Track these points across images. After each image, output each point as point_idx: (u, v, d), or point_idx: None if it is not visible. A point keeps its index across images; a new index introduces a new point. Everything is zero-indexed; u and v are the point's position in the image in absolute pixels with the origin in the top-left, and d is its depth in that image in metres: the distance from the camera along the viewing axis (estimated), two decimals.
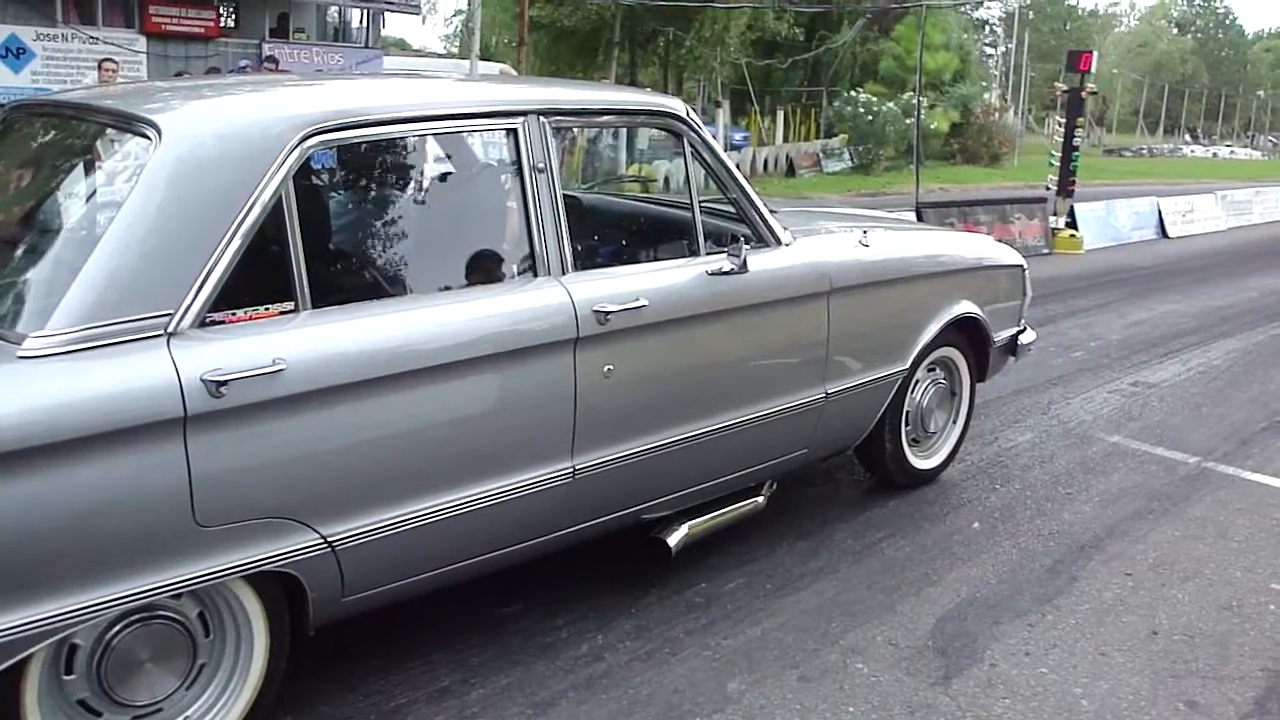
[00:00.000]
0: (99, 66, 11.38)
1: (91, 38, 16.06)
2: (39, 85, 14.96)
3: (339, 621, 2.94)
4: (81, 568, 2.34)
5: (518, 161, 3.14)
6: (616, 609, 3.59)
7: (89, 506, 2.32)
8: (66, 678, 2.47)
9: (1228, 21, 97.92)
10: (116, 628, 2.49)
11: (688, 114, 3.62)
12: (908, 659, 3.39)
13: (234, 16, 18.78)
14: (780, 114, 31.94)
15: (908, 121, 28.21)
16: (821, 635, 3.51)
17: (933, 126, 30.50)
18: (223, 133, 2.66)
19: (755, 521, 4.03)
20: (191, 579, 2.50)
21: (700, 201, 3.61)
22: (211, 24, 17.72)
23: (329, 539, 2.69)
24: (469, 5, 25.50)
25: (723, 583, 3.82)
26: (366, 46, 20.37)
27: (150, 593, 2.44)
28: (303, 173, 2.77)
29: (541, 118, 3.19)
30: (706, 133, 3.69)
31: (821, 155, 29.00)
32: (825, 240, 4.13)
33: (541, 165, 3.14)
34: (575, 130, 4.59)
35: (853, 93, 30.36)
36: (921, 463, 4.77)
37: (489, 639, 3.37)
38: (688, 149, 3.59)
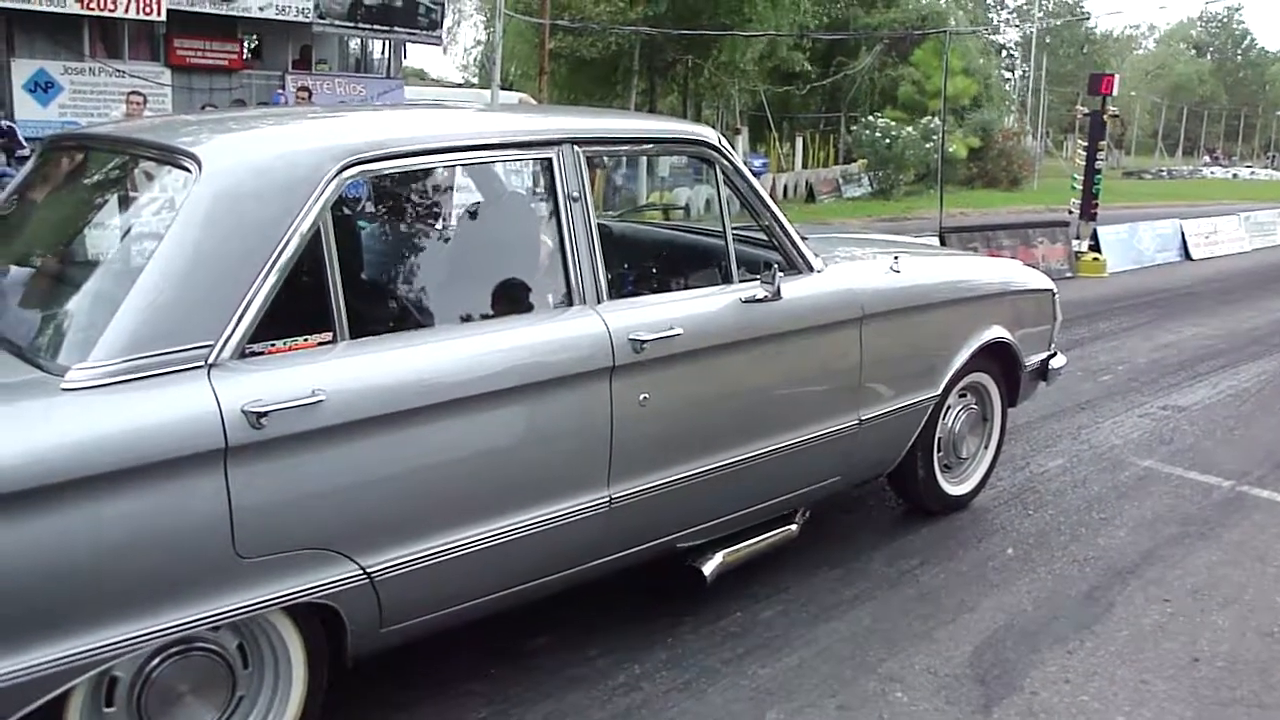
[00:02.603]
0: (126, 99, 11.55)
1: (118, 71, 16.22)
2: (67, 119, 15.10)
3: (377, 654, 2.93)
4: (122, 600, 2.34)
5: (553, 190, 3.14)
6: (651, 639, 3.56)
7: (130, 538, 2.33)
8: (107, 710, 2.46)
9: (1246, 42, 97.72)
10: (156, 660, 2.49)
11: (719, 141, 3.62)
12: (947, 687, 3.35)
13: (257, 49, 18.94)
14: (799, 140, 32.00)
15: (927, 146, 28.21)
16: (859, 664, 3.47)
17: (952, 151, 30.47)
18: (261, 164, 2.68)
19: (789, 549, 4.00)
20: (231, 611, 2.49)
21: (732, 228, 3.61)
22: (235, 57, 17.87)
23: (368, 570, 2.69)
24: (490, 37, 25.69)
25: (758, 611, 3.79)
26: (388, 77, 20.50)
27: (190, 625, 2.44)
28: (339, 203, 2.78)
29: (576, 147, 3.19)
30: (738, 159, 3.70)
31: (841, 181, 29.02)
32: (857, 266, 4.12)
33: (576, 194, 3.14)
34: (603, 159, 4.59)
35: (872, 118, 30.40)
36: (954, 489, 4.74)
37: (522, 672, 3.35)
38: (719, 176, 3.60)
